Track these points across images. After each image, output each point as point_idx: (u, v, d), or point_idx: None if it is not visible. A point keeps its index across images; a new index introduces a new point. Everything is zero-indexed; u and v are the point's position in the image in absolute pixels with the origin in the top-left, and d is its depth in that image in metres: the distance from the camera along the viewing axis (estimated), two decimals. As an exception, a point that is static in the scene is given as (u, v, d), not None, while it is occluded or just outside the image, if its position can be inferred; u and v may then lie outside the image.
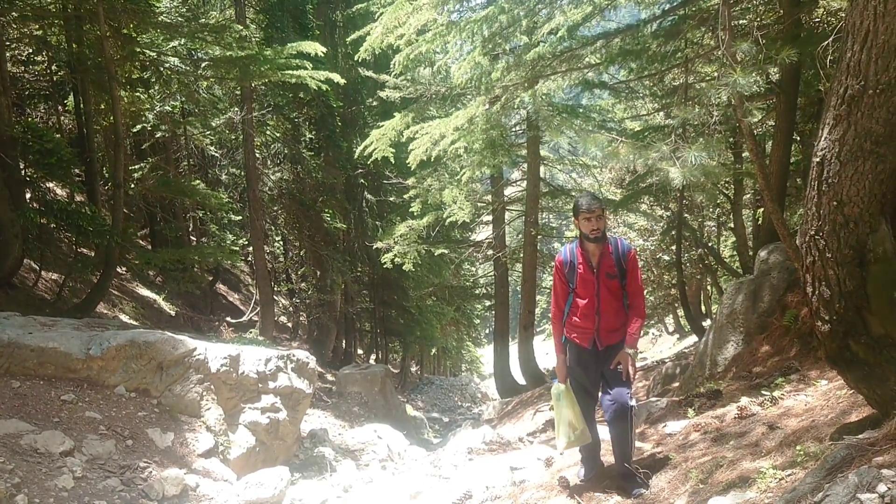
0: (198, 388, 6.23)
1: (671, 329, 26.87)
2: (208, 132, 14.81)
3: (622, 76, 13.70)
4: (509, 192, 18.19)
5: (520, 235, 17.49)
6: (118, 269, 12.18)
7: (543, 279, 35.94)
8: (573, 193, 16.70)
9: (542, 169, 15.90)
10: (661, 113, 13.41)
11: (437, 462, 8.28)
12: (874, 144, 2.87)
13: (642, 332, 4.35)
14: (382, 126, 13.11)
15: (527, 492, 4.75)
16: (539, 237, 16.54)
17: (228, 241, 16.96)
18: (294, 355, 8.08)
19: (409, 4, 10.18)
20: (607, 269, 3.82)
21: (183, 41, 10.97)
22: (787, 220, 9.81)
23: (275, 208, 17.59)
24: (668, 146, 6.58)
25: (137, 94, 12.57)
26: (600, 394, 4.10)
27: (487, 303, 23.31)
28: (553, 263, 4.11)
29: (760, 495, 3.27)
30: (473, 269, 25.25)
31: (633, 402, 3.94)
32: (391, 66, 11.72)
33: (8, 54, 11.18)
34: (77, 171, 11.50)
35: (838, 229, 3.04)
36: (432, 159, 12.37)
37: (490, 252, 17.54)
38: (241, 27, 11.53)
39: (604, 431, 4.31)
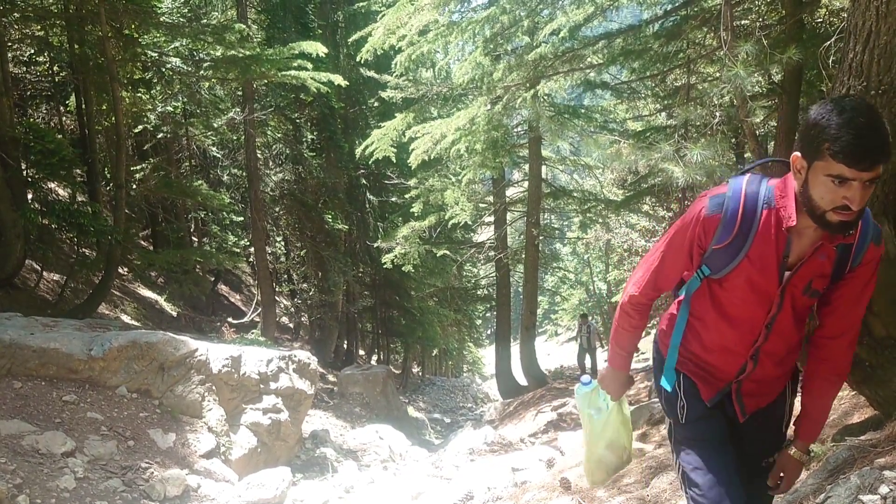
0: (199, 389, 6.23)
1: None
2: (210, 133, 14.82)
3: (624, 76, 13.69)
4: (511, 192, 18.19)
5: (521, 236, 17.49)
6: (120, 270, 12.18)
7: (545, 280, 36.01)
8: (575, 194, 16.68)
9: (543, 169, 15.90)
10: (664, 113, 13.39)
11: (438, 463, 8.29)
12: (876, 145, 2.86)
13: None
14: (384, 126, 13.12)
15: (528, 492, 4.74)
16: (541, 238, 16.54)
17: (230, 242, 16.97)
18: (295, 356, 8.09)
19: (410, 5, 10.19)
20: (814, 273, 1.71)
21: (185, 42, 10.98)
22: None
23: (276, 209, 17.59)
24: (672, 146, 6.58)
25: (139, 94, 12.59)
26: None
27: (489, 304, 23.32)
28: (690, 211, 1.81)
29: (762, 497, 3.26)
30: (475, 269, 25.24)
31: None
32: (393, 66, 11.73)
33: (10, 55, 11.20)
34: (79, 171, 11.50)
35: (840, 230, 3.03)
36: (433, 159, 12.38)
37: (492, 253, 17.54)
38: (243, 27, 11.53)
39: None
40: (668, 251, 1.87)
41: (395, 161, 14.52)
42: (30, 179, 9.13)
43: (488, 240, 17.86)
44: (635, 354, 2.07)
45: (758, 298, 1.75)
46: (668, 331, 2.01)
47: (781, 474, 1.92)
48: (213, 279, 17.26)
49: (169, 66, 11.55)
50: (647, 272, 1.93)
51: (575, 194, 16.71)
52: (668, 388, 1.96)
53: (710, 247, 1.74)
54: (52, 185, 11.17)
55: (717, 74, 7.16)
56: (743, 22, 8.77)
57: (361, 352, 23.94)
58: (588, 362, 16.16)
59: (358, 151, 13.77)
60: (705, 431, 1.91)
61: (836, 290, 1.76)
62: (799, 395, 1.97)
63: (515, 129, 15.85)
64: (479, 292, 23.02)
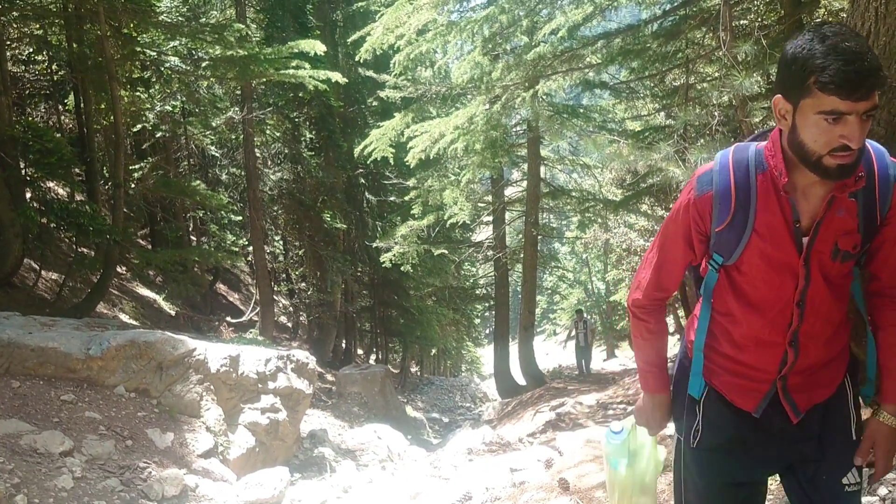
0: (197, 389, 6.23)
1: (671, 329, 26.88)
2: (208, 132, 14.82)
3: (623, 76, 13.71)
4: (509, 192, 18.21)
5: (520, 236, 17.50)
6: (118, 269, 12.18)
7: (544, 279, 35.99)
8: (573, 194, 16.68)
9: (542, 169, 15.91)
10: (662, 113, 13.40)
11: (436, 462, 8.28)
12: (875, 146, 2.87)
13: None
14: (382, 126, 13.13)
15: (527, 493, 4.74)
16: (539, 237, 16.55)
17: (228, 242, 16.96)
18: (294, 355, 8.08)
19: (409, 4, 10.20)
20: (837, 233, 1.48)
21: (183, 41, 10.97)
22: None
23: (275, 208, 17.59)
24: (671, 146, 6.58)
25: (138, 93, 12.58)
26: None
27: (488, 303, 23.34)
28: (686, 197, 1.62)
29: (761, 497, 3.26)
30: (473, 269, 25.25)
31: None
32: (391, 65, 11.73)
33: (8, 54, 11.19)
34: (77, 170, 11.50)
35: (839, 231, 3.03)
36: (432, 158, 12.39)
37: (490, 252, 17.56)
38: (242, 26, 11.53)
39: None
40: (665, 244, 1.71)
41: (393, 161, 14.52)
42: (28, 178, 9.12)
43: (487, 239, 17.88)
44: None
45: (780, 275, 1.52)
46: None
47: (872, 446, 1.59)
48: (211, 278, 17.25)
49: (167, 65, 11.53)
50: (648, 272, 1.76)
51: (574, 194, 16.71)
52: (697, 396, 1.72)
53: (713, 230, 1.56)
54: (50, 184, 11.16)
55: (716, 74, 7.17)
56: (742, 22, 8.77)
57: (360, 351, 23.94)
58: (583, 362, 16.19)
59: (356, 151, 13.77)
60: (717, 464, 1.70)
61: (878, 244, 1.53)
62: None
63: (514, 129, 15.86)
64: (477, 292, 23.05)
